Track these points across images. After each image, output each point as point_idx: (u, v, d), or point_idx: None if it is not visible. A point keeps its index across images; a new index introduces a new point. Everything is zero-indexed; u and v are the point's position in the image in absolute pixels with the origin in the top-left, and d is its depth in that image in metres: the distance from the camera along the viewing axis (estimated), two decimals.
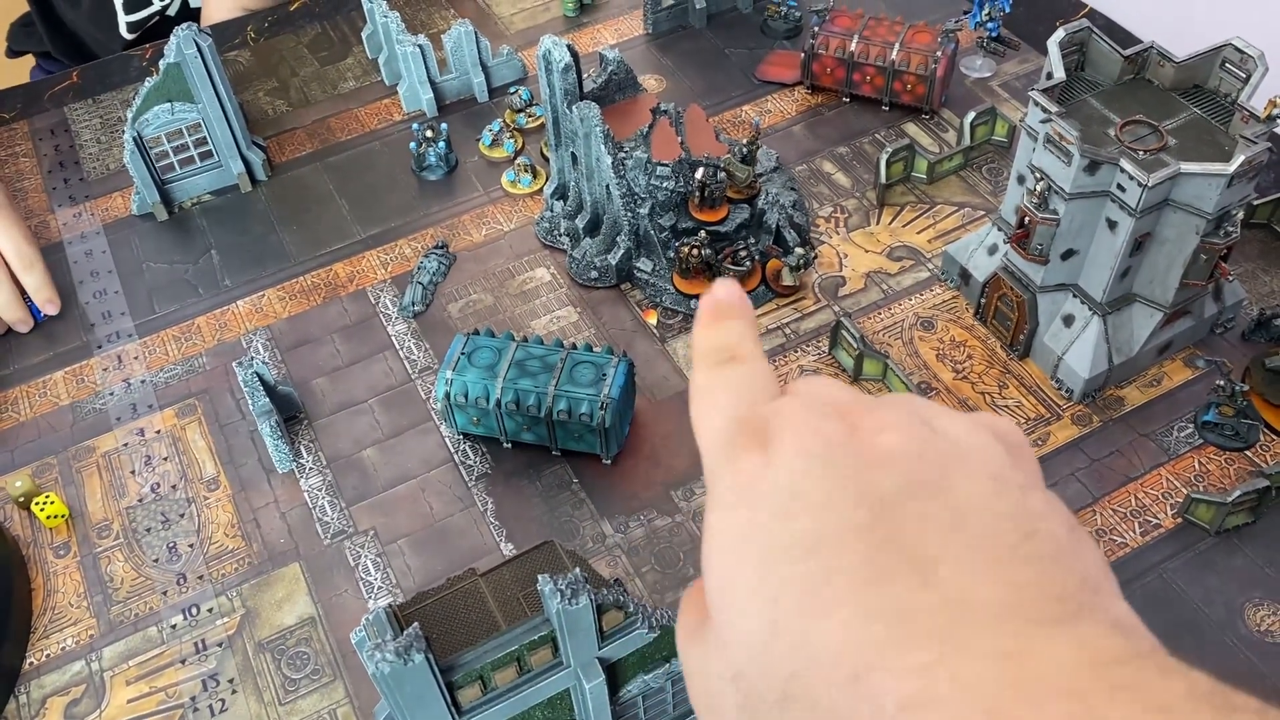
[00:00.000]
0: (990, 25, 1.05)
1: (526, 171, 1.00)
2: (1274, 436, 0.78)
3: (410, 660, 0.46)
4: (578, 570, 0.50)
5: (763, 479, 0.30)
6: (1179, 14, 1.02)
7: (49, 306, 0.92)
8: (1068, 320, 0.80)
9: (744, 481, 0.31)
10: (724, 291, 0.38)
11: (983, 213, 0.95)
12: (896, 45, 0.99)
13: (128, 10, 1.25)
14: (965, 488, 0.30)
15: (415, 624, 0.47)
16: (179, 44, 0.92)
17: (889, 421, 0.31)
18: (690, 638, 0.33)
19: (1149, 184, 0.69)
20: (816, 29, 1.02)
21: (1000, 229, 0.84)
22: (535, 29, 1.17)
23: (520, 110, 1.06)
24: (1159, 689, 0.25)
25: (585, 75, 0.90)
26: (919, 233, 0.93)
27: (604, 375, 0.77)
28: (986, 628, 0.26)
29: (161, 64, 0.93)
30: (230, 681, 0.70)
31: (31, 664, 0.72)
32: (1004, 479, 0.30)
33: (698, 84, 1.09)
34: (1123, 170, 0.71)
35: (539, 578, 0.50)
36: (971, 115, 0.96)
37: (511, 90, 1.06)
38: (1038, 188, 0.75)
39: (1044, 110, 0.73)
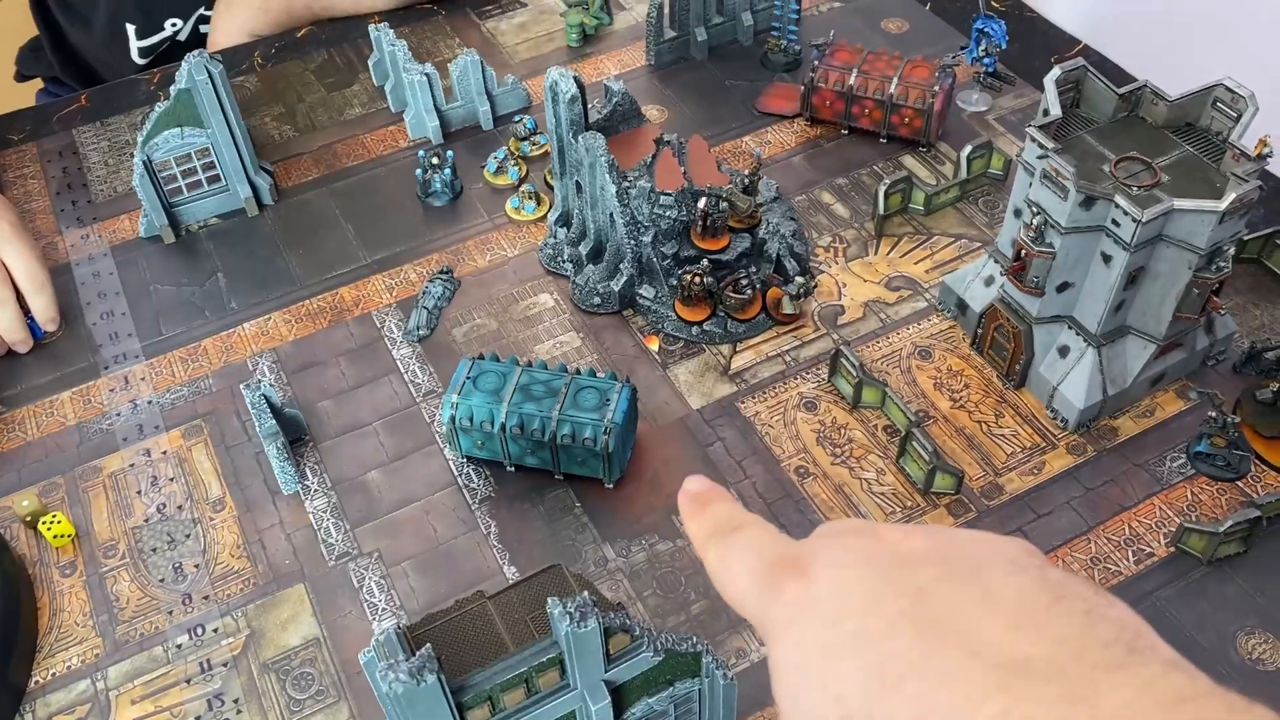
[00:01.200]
0: (986, 60, 1.07)
1: (531, 199, 1.01)
2: (1265, 467, 0.79)
3: (423, 681, 0.47)
4: (586, 594, 0.51)
5: (810, 599, 0.33)
6: (1170, 52, 1.04)
7: (50, 325, 0.93)
8: (1063, 351, 0.82)
9: (792, 605, 0.33)
10: (695, 485, 0.42)
11: (979, 244, 0.96)
12: (895, 79, 1.01)
13: (140, 36, 1.27)
14: (990, 572, 0.32)
15: (428, 645, 0.48)
16: (190, 70, 0.93)
17: (910, 530, 0.34)
18: None
19: (1143, 219, 0.71)
20: (816, 63, 1.04)
21: (997, 261, 0.85)
22: (540, 59, 1.19)
23: (525, 138, 1.07)
24: None
25: (590, 106, 0.91)
26: (916, 263, 0.95)
27: (607, 400, 0.78)
28: (1047, 678, 0.28)
29: (172, 89, 0.94)
30: (235, 701, 0.71)
31: (37, 683, 0.73)
32: (1021, 563, 0.33)
33: (699, 115, 1.11)
34: (1117, 206, 0.72)
35: (549, 601, 0.51)
36: (968, 148, 0.98)
37: (516, 119, 1.08)
38: (1034, 221, 0.76)
39: (1041, 146, 0.75)
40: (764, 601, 0.34)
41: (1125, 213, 0.72)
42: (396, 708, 0.49)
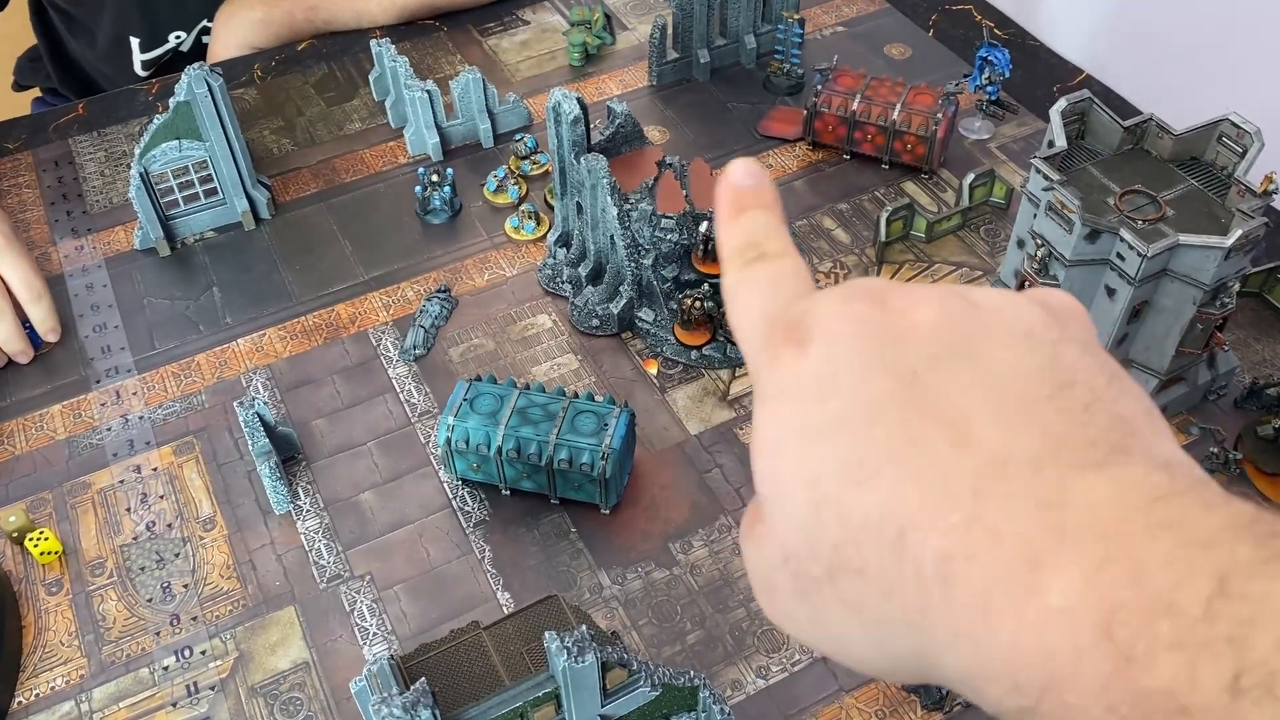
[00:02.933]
0: (990, 89, 1.07)
1: (530, 218, 1.01)
2: (1266, 504, 0.79)
3: (417, 717, 0.46)
4: (584, 628, 0.51)
5: (798, 370, 0.30)
6: (1174, 85, 1.04)
7: (50, 335, 0.92)
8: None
9: (781, 376, 0.31)
10: (743, 175, 0.36)
11: (980, 273, 0.96)
12: (898, 106, 1.01)
13: (144, 49, 1.26)
14: (996, 350, 0.29)
15: (423, 679, 0.47)
16: (190, 83, 0.92)
17: (922, 297, 0.31)
18: (747, 538, 0.34)
19: (1148, 254, 0.70)
20: (820, 87, 1.04)
21: None
22: (541, 77, 1.18)
23: (525, 157, 1.07)
24: (1199, 523, 0.24)
25: (592, 126, 0.91)
26: None
27: (605, 425, 0.77)
28: (1021, 479, 0.26)
29: (171, 102, 0.93)
30: None
31: (20, 703, 0.71)
32: (1037, 336, 0.30)
33: (700, 136, 1.11)
34: (1122, 239, 0.72)
35: (546, 634, 0.50)
36: (971, 177, 0.98)
37: (517, 137, 1.07)
38: (1038, 253, 0.76)
39: (1046, 178, 0.75)
40: (758, 364, 0.32)
41: (1130, 247, 0.71)
42: None
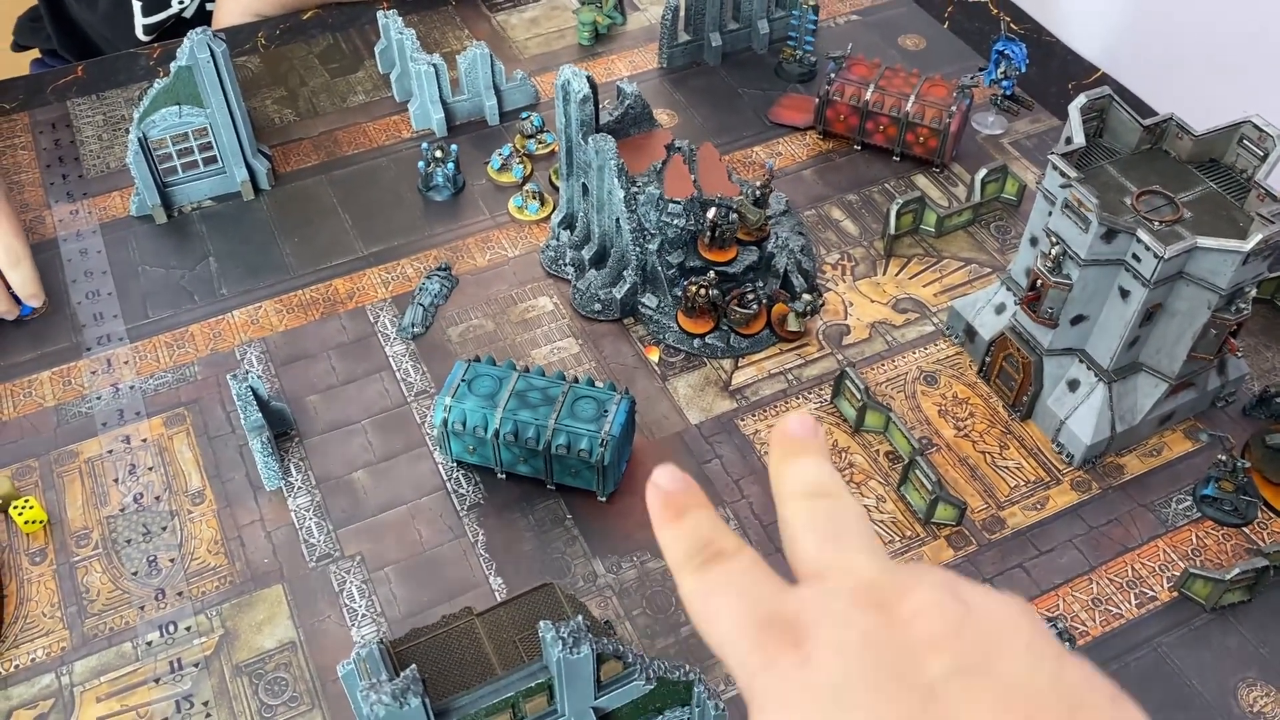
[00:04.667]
0: (1005, 83, 1.05)
1: (534, 198, 0.99)
2: (1272, 514, 0.78)
3: (406, 704, 0.45)
4: (580, 618, 0.49)
5: (806, 681, 0.30)
6: (1189, 86, 1.03)
7: (32, 300, 0.90)
8: (1073, 385, 0.80)
9: (783, 685, 0.30)
10: (667, 481, 0.35)
11: (989, 270, 0.94)
12: (912, 97, 0.99)
13: (146, 13, 1.24)
14: (1007, 665, 0.29)
15: (413, 666, 0.45)
16: (192, 47, 0.90)
17: (923, 603, 0.31)
18: None
19: (1165, 256, 0.69)
20: (833, 75, 1.02)
21: (1009, 289, 0.84)
22: (549, 55, 1.16)
23: (531, 136, 1.05)
24: None
25: (601, 107, 0.89)
26: (925, 286, 0.93)
27: (605, 412, 0.76)
28: None
29: (172, 66, 0.92)
30: (205, 704, 0.69)
31: None
32: (1039, 651, 0.30)
33: (709, 121, 1.09)
34: (1139, 240, 0.71)
35: (541, 624, 0.48)
36: (983, 172, 0.96)
37: (523, 116, 1.05)
38: (1052, 251, 0.75)
39: (1063, 175, 0.73)
40: (751, 665, 0.31)
41: (1147, 248, 0.70)
42: None
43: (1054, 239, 0.75)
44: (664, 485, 0.35)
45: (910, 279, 0.94)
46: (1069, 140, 0.76)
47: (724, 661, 0.33)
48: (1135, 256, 0.72)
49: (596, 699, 0.53)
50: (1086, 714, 0.29)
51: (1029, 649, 0.30)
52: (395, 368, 0.87)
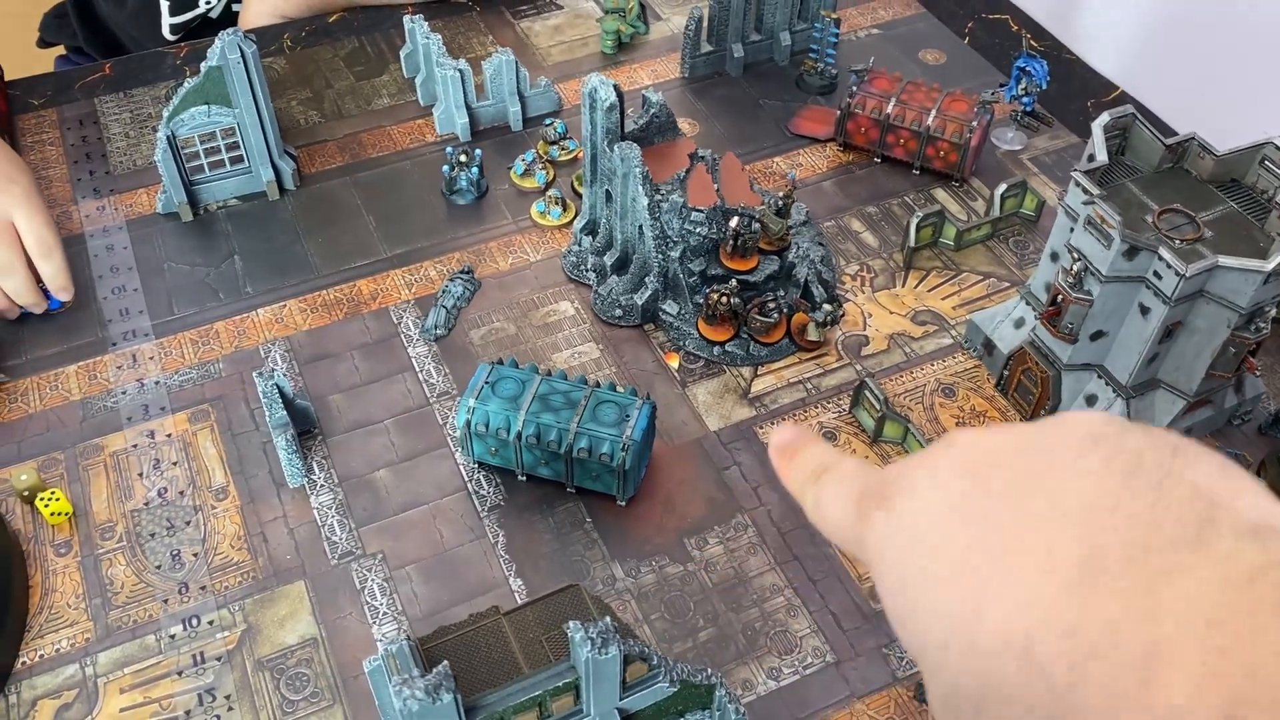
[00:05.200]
0: (1025, 100, 1.06)
1: (557, 204, 1.00)
2: None
3: (439, 699, 0.46)
4: (608, 619, 0.50)
5: (890, 531, 0.33)
6: (1208, 106, 1.03)
7: (61, 294, 0.91)
8: (1090, 400, 0.81)
9: (880, 533, 0.33)
10: (783, 436, 0.41)
11: (1008, 284, 0.95)
12: (933, 111, 1.00)
13: (173, 13, 1.25)
14: (1063, 458, 0.30)
15: (445, 662, 0.46)
16: (223, 48, 0.91)
17: (986, 430, 0.33)
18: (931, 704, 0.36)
19: (1187, 274, 0.70)
20: (855, 88, 1.03)
21: (1029, 303, 0.84)
22: (573, 63, 1.17)
23: (554, 142, 1.06)
24: None
25: (626, 115, 0.90)
26: (944, 299, 0.94)
27: (627, 416, 0.77)
28: (1119, 570, 0.27)
29: (203, 66, 0.93)
30: (227, 698, 0.69)
31: (24, 664, 0.71)
32: (1098, 434, 0.31)
33: (730, 131, 1.10)
34: (1161, 258, 0.71)
35: (571, 624, 0.49)
36: (1003, 187, 0.97)
37: (547, 122, 1.06)
38: (1074, 267, 0.75)
39: (1086, 192, 0.74)
40: (856, 534, 0.35)
41: (1169, 266, 0.71)
42: None
43: (1075, 255, 0.75)
44: (779, 443, 0.41)
45: (929, 291, 0.94)
46: (1091, 158, 0.77)
47: (846, 549, 0.38)
48: (1156, 274, 0.72)
49: (621, 700, 0.53)
50: (1145, 473, 0.29)
51: (1088, 439, 0.31)
52: (418, 369, 0.88)
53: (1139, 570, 0.27)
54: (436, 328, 0.90)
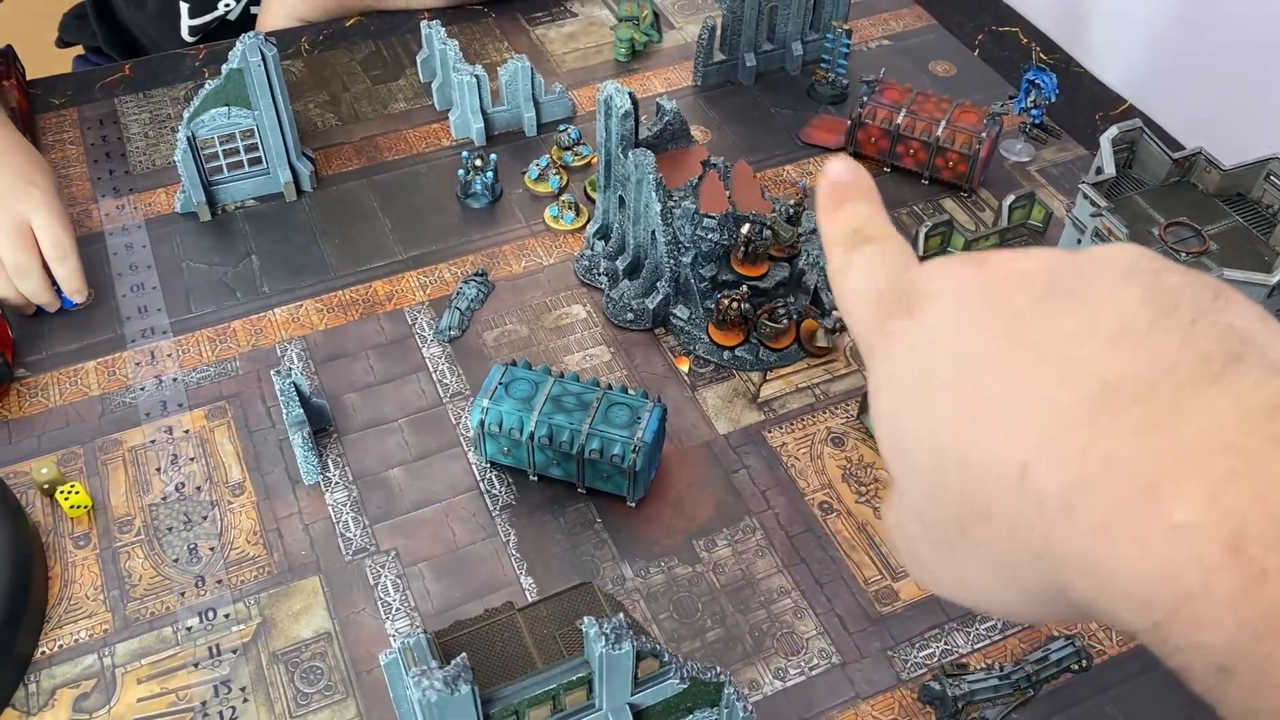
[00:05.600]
0: (1034, 112, 1.07)
1: (570, 209, 1.01)
2: None
3: (457, 691, 0.47)
4: (622, 615, 0.51)
5: (910, 339, 0.32)
6: (1216, 121, 1.05)
7: (76, 296, 0.92)
8: None
9: (894, 344, 0.32)
10: (841, 169, 0.37)
11: None
12: (943, 122, 1.02)
13: (193, 15, 1.27)
14: (1097, 285, 0.29)
15: (463, 654, 0.47)
16: (244, 50, 0.93)
17: (1024, 253, 0.32)
18: (886, 513, 0.35)
19: None
20: (865, 98, 1.04)
21: None
22: (586, 70, 1.19)
23: (568, 148, 1.07)
24: None
25: (640, 122, 0.91)
26: None
27: (638, 418, 0.78)
28: (1135, 403, 0.26)
29: (224, 68, 0.94)
30: (242, 690, 0.70)
31: (43, 653, 0.72)
32: (1136, 269, 0.30)
33: (742, 140, 1.11)
34: None
35: (585, 619, 0.50)
36: (1011, 198, 0.98)
37: (561, 128, 1.08)
38: None
39: (1094, 204, 0.75)
40: (870, 339, 0.34)
41: None
42: (427, 715, 0.48)
43: None
44: (834, 174, 0.37)
45: None
46: (1099, 170, 0.79)
47: (850, 325, 0.35)
48: None
49: (632, 695, 0.55)
50: (1181, 312, 0.28)
51: (1126, 270, 0.30)
52: (432, 369, 0.89)
53: (1156, 400, 0.26)
54: (450, 329, 0.92)
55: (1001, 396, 0.28)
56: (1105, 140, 0.79)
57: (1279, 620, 0.23)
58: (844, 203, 0.37)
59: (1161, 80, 1.15)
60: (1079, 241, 0.77)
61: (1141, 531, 0.25)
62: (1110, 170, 0.78)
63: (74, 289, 0.91)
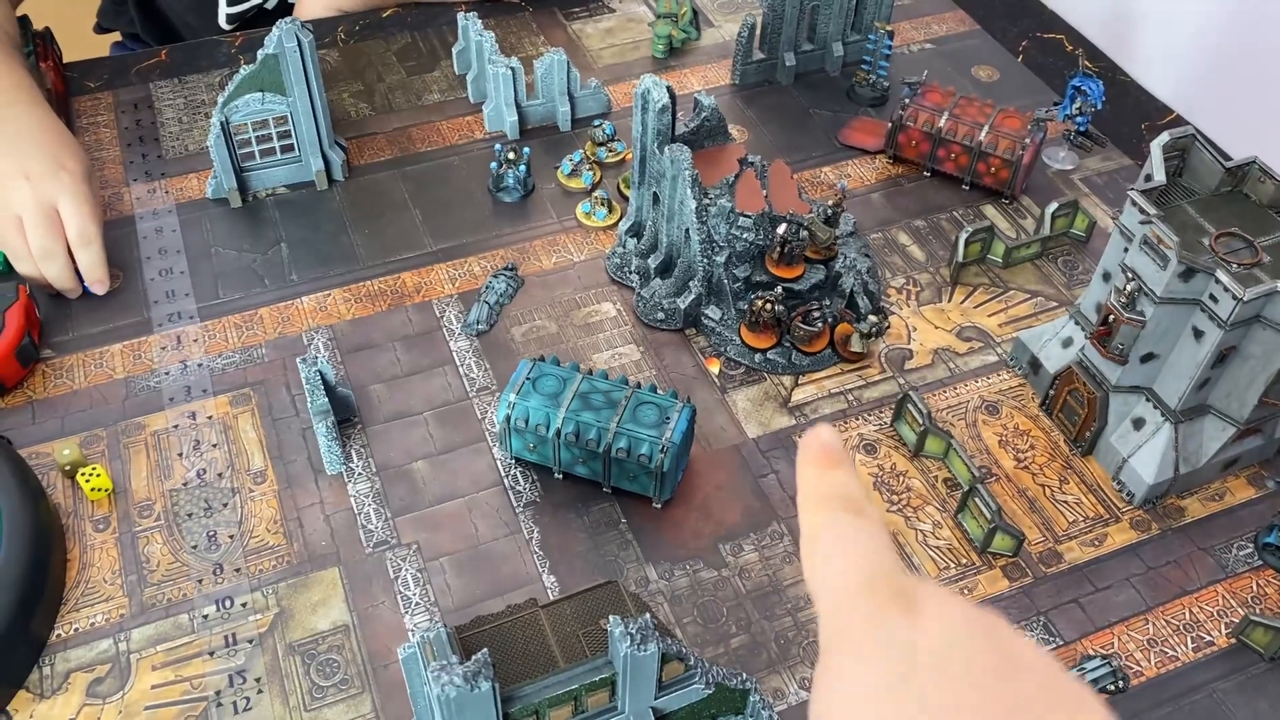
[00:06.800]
0: (1079, 119, 1.05)
1: (602, 205, 1.00)
2: None
3: (477, 687, 0.45)
4: (648, 616, 0.50)
5: (907, 638, 0.31)
6: (1261, 130, 1.02)
7: (97, 287, 0.91)
8: (1138, 423, 0.79)
9: (884, 635, 0.31)
10: (829, 436, 0.37)
11: (1055, 304, 0.94)
12: (986, 127, 0.99)
13: (231, 2, 1.26)
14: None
15: (485, 650, 0.46)
16: (280, 36, 0.92)
17: (1030, 646, 0.32)
18: None
19: (1245, 298, 0.69)
20: (907, 101, 1.02)
21: (1078, 323, 0.83)
22: (623, 65, 1.18)
23: (602, 144, 1.06)
24: None
25: (676, 119, 0.90)
26: (990, 315, 0.93)
27: (667, 418, 0.76)
28: None
29: (260, 54, 0.93)
30: (257, 680, 0.69)
31: (59, 636, 0.71)
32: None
33: (779, 140, 1.09)
34: (1218, 281, 0.70)
35: (611, 619, 0.49)
36: (1054, 206, 0.96)
37: (595, 123, 1.06)
38: (1127, 287, 0.74)
39: (1143, 212, 0.73)
40: (854, 614, 0.32)
41: (1226, 289, 0.70)
42: (445, 712, 0.47)
43: (1129, 275, 0.74)
44: (824, 438, 0.37)
45: (975, 308, 0.93)
46: (1149, 178, 0.76)
47: (818, 601, 0.34)
48: (1212, 297, 0.71)
49: (656, 699, 0.53)
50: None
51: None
52: (459, 362, 0.88)
53: None
54: (479, 323, 0.91)
55: None
56: (1156, 147, 0.77)
57: None
58: (838, 465, 0.36)
59: (1209, 89, 1.12)
60: (1125, 250, 0.75)
61: None
62: (1160, 178, 0.76)
63: (95, 278, 0.90)
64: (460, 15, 1.12)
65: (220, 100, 0.95)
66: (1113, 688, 0.68)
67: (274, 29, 0.92)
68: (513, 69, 1.04)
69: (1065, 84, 1.08)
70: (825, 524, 0.35)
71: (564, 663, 0.52)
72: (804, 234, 0.86)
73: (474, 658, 0.46)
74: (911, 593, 0.32)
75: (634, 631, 0.48)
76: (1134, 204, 0.74)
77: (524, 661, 0.52)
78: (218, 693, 0.69)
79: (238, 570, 0.75)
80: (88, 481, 0.77)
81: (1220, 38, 1.11)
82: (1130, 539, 0.78)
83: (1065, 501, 0.80)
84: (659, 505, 0.79)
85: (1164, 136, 0.77)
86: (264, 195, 1.01)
